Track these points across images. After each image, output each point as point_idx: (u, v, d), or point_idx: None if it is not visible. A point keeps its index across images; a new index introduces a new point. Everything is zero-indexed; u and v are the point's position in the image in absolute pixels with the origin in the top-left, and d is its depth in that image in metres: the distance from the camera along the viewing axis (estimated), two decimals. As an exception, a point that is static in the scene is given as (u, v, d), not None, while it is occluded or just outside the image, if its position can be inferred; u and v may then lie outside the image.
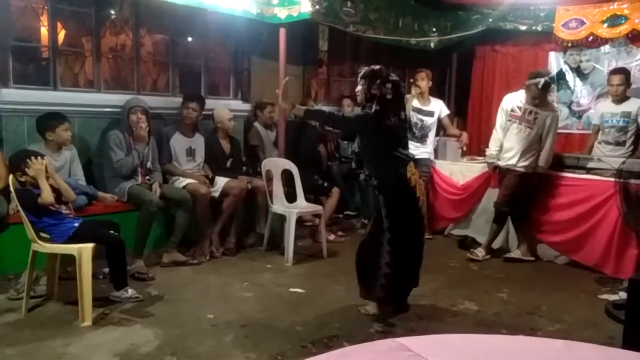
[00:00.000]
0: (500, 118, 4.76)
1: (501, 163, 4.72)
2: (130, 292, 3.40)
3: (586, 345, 1.61)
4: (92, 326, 3.06)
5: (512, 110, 4.62)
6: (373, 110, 3.13)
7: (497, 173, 4.85)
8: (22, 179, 3.25)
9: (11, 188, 3.21)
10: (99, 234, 3.34)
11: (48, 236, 3.24)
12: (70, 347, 2.80)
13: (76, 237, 3.22)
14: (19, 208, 3.17)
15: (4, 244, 3.66)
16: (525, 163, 4.55)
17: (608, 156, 4.53)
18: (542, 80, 4.39)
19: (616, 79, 4.67)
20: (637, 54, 5.45)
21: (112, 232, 3.44)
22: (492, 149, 4.83)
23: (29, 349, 2.77)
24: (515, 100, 4.63)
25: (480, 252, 4.73)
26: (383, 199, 3.23)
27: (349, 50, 6.65)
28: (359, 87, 3.24)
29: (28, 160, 3.21)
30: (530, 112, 4.51)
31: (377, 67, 3.26)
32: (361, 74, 3.25)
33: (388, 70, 3.31)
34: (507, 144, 4.67)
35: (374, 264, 3.25)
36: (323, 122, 3.32)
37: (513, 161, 4.60)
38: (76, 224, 3.30)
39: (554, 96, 5.56)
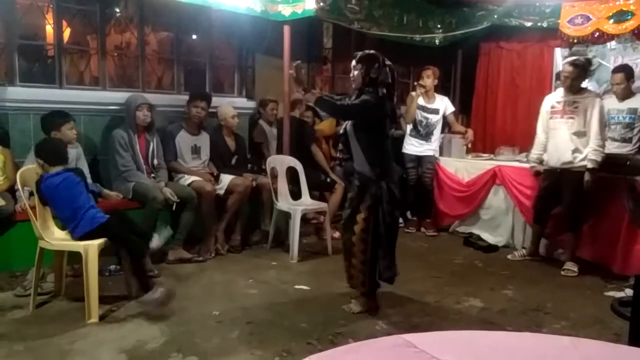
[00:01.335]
0: (541, 120, 4.49)
1: (552, 163, 4.34)
2: (160, 291, 3.46)
3: (592, 342, 1.61)
4: (99, 323, 3.08)
5: (552, 107, 4.36)
6: (380, 94, 3.11)
7: (542, 176, 4.51)
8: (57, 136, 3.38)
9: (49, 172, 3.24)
10: (124, 236, 3.37)
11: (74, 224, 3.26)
12: (77, 344, 2.81)
13: (101, 231, 3.26)
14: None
15: (12, 242, 3.68)
16: (583, 162, 4.14)
17: (614, 153, 4.50)
18: (575, 59, 4.21)
19: (617, 78, 4.63)
20: (643, 50, 5.42)
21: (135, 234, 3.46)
22: (534, 153, 4.57)
23: (36, 346, 2.78)
24: (554, 97, 4.42)
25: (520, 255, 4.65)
26: (373, 190, 3.16)
27: (353, 47, 6.61)
28: (355, 72, 3.17)
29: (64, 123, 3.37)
30: (571, 103, 4.22)
31: (372, 51, 3.24)
32: (357, 58, 3.19)
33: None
34: (553, 144, 4.34)
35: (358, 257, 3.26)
36: (333, 112, 3.26)
37: (567, 158, 4.20)
38: (102, 219, 3.33)
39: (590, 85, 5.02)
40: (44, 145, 3.41)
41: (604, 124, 4.24)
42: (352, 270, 3.33)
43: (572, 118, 4.20)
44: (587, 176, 4.11)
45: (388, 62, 3.20)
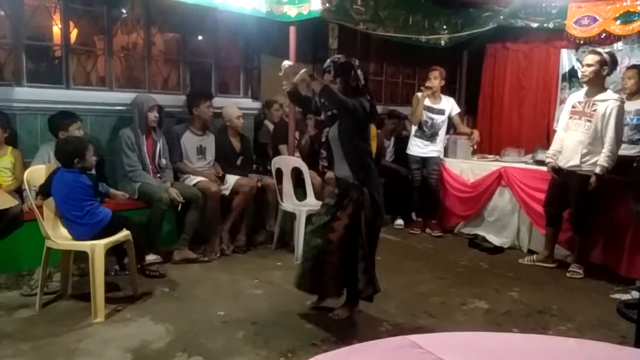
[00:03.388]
0: (562, 119, 4.39)
1: (561, 163, 4.26)
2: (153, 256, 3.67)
3: (598, 343, 1.60)
4: (104, 322, 3.10)
5: (573, 107, 4.22)
6: (369, 105, 3.05)
7: (555, 175, 4.36)
8: (79, 165, 3.30)
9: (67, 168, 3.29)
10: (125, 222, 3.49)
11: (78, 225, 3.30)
12: (83, 343, 2.83)
13: (106, 230, 3.32)
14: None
15: (19, 241, 3.70)
16: (591, 167, 4.04)
17: (621, 155, 4.47)
18: (590, 54, 4.08)
19: (629, 73, 4.62)
20: (650, 50, 5.40)
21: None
22: (551, 150, 4.42)
23: (42, 344, 2.80)
24: (577, 96, 4.27)
25: (544, 262, 4.51)
26: (354, 196, 3.07)
27: (359, 48, 6.63)
28: (334, 87, 3.03)
29: (87, 147, 3.34)
30: (591, 105, 4.06)
31: (343, 57, 3.16)
32: (333, 72, 3.07)
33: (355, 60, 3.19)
34: (567, 142, 4.23)
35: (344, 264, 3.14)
36: (335, 103, 3.07)
37: (575, 161, 4.12)
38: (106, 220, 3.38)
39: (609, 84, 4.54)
40: (61, 146, 3.45)
41: (621, 131, 4.08)
42: (324, 278, 3.13)
43: (589, 121, 4.06)
44: (592, 179, 4.03)
45: (357, 62, 3.15)
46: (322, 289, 3.21)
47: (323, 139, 3.21)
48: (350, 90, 3.05)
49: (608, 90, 4.13)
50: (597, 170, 4.00)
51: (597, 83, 4.09)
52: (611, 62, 4.08)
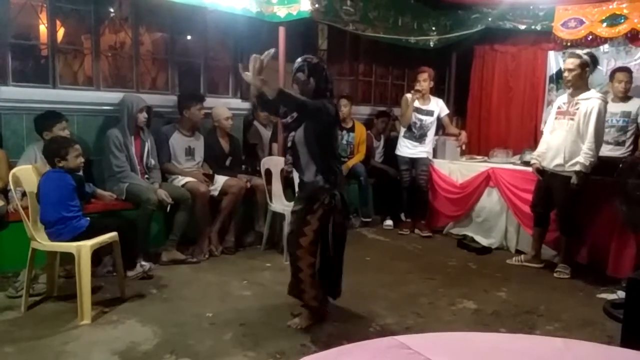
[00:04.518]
0: (549, 121, 4.43)
1: (545, 164, 4.27)
2: (148, 265, 3.73)
3: (585, 343, 1.61)
4: (91, 324, 3.07)
5: (558, 108, 4.26)
6: (333, 102, 3.01)
7: (539, 176, 4.37)
8: (61, 165, 3.33)
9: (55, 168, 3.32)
10: (108, 224, 3.50)
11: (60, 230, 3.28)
12: (69, 345, 2.80)
13: (87, 233, 3.30)
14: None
15: (4, 242, 3.66)
16: (574, 167, 4.04)
17: (607, 156, 4.52)
18: (577, 51, 4.12)
19: (620, 76, 4.70)
20: (636, 53, 5.45)
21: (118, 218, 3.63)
22: (536, 151, 4.43)
23: (27, 347, 2.77)
24: (563, 97, 4.31)
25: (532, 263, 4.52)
26: (326, 200, 2.98)
27: (348, 49, 6.65)
28: (307, 87, 2.99)
29: (70, 148, 3.34)
30: (574, 104, 4.10)
31: (316, 57, 3.11)
32: (306, 71, 2.99)
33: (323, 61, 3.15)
34: (552, 142, 4.24)
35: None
36: (295, 107, 2.93)
37: (559, 160, 4.13)
38: (85, 224, 3.38)
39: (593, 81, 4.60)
40: (46, 145, 3.50)
41: (602, 129, 4.10)
42: (302, 286, 3.08)
43: (572, 120, 4.09)
44: (573, 178, 4.06)
45: (324, 64, 3.12)
46: (302, 297, 3.14)
47: (289, 144, 3.10)
48: (320, 92, 3.00)
49: (591, 90, 4.16)
50: (577, 168, 4.03)
51: (581, 85, 4.12)
52: (592, 63, 4.11)
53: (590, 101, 4.03)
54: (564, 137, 4.12)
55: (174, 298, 3.54)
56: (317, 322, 3.15)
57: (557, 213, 4.32)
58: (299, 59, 3.09)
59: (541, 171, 4.35)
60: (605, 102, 4.11)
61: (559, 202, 4.23)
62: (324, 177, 3.00)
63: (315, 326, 3.13)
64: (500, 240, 5.07)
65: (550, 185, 4.27)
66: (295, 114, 3.03)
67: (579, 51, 4.21)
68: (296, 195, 3.18)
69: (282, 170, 4.79)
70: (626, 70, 4.79)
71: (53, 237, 3.27)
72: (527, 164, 4.95)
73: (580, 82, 4.10)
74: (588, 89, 4.15)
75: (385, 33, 5.76)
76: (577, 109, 4.07)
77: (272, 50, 2.84)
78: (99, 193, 3.98)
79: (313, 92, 2.99)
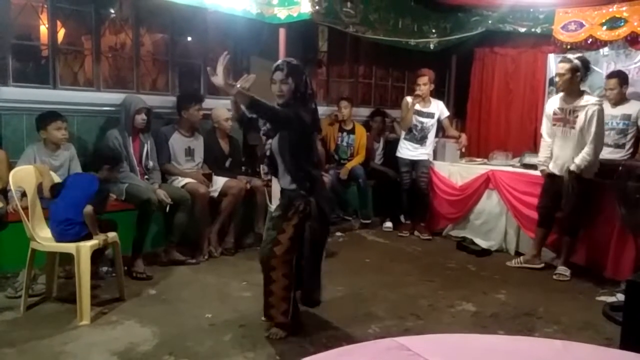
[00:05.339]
0: (544, 124, 4.42)
1: (556, 171, 4.25)
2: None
3: (584, 345, 1.62)
4: (90, 325, 3.07)
5: (554, 114, 4.24)
6: (312, 107, 2.96)
7: (548, 180, 4.37)
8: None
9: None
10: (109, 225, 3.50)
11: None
12: (68, 346, 2.80)
13: (89, 236, 3.29)
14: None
15: (3, 243, 3.65)
16: (571, 167, 4.09)
17: (607, 159, 4.52)
18: (568, 56, 4.10)
19: (610, 83, 4.70)
20: (635, 56, 5.46)
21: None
22: (541, 156, 4.44)
23: (26, 348, 2.76)
24: (555, 102, 4.30)
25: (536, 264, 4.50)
26: (301, 206, 2.91)
27: (348, 51, 6.66)
28: (283, 87, 2.89)
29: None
30: (571, 112, 4.12)
31: (295, 60, 3.02)
32: (285, 71, 2.90)
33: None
34: (557, 150, 4.26)
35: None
36: (268, 116, 2.86)
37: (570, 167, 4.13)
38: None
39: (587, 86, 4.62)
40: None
41: (602, 132, 4.13)
42: (271, 299, 2.96)
43: (573, 128, 4.10)
44: (566, 178, 4.07)
45: (305, 69, 3.08)
46: (269, 312, 3.00)
47: (268, 153, 3.05)
48: (299, 96, 2.91)
49: (585, 95, 4.16)
50: (572, 167, 4.05)
51: (573, 89, 4.13)
52: (583, 67, 4.11)
53: (587, 108, 4.05)
54: (572, 147, 4.12)
55: (173, 299, 3.54)
56: (292, 333, 3.02)
57: (565, 214, 4.30)
58: (279, 60, 3.07)
59: (552, 176, 4.33)
60: (602, 105, 4.13)
61: (568, 203, 4.22)
62: (298, 184, 2.94)
63: (314, 328, 3.12)
64: (500, 243, 5.07)
65: (559, 188, 4.25)
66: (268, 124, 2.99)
67: (570, 56, 4.22)
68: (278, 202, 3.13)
69: (261, 178, 4.80)
70: (617, 76, 4.76)
71: (57, 235, 3.25)
72: (527, 166, 4.98)
73: (571, 86, 4.11)
74: (581, 94, 4.15)
75: (386, 35, 5.76)
76: (577, 117, 4.08)
77: (226, 54, 2.89)
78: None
79: (292, 93, 2.91)
